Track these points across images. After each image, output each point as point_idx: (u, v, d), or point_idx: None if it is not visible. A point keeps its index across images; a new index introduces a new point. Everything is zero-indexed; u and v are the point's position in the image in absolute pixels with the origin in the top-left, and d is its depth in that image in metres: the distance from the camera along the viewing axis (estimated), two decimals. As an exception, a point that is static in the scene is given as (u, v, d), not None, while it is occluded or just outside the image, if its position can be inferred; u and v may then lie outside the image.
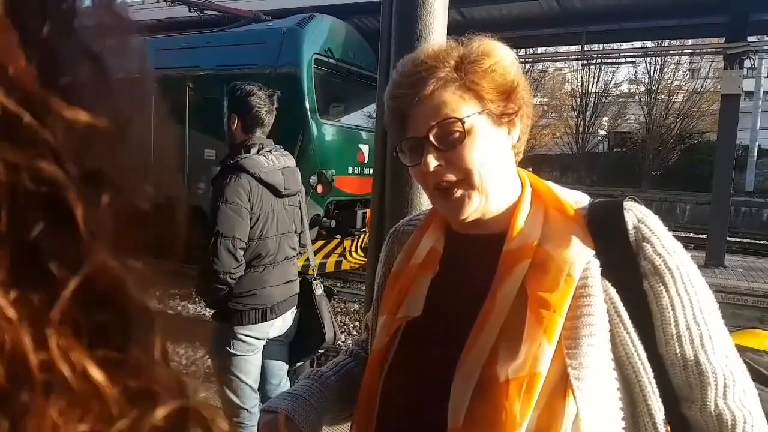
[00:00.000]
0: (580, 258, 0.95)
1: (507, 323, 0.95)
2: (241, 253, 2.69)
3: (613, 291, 0.95)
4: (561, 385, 0.90)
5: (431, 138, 0.99)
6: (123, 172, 0.25)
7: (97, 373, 0.23)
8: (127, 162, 0.25)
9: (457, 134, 0.99)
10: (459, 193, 1.00)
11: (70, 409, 0.22)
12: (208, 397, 0.29)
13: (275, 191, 2.83)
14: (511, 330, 0.94)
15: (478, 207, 1.01)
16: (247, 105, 2.83)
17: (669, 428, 0.96)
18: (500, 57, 1.03)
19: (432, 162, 0.99)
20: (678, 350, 0.95)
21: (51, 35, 0.23)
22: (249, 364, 2.82)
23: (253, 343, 2.81)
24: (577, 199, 1.06)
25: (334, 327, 3.05)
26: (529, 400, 0.88)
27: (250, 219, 2.72)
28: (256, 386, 2.87)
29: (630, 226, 0.99)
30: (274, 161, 2.85)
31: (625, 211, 1.00)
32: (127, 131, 0.25)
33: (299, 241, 3.10)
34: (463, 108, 1.00)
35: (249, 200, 2.71)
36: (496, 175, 1.02)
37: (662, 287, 0.95)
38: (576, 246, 0.97)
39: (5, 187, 0.21)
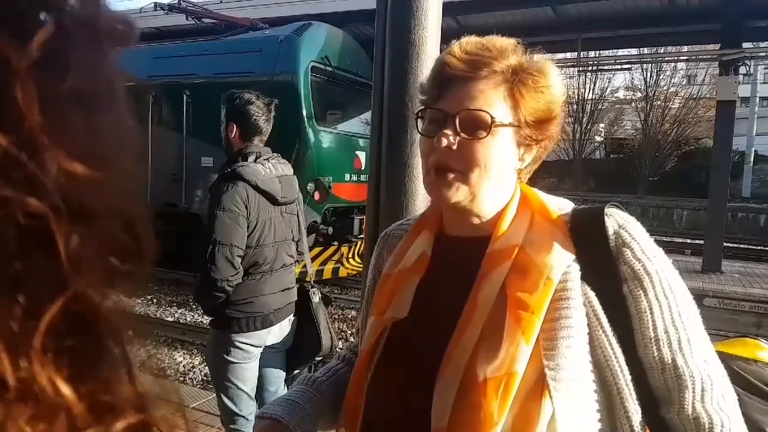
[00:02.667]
0: (560, 262, 0.97)
1: (488, 324, 0.96)
2: (239, 261, 2.69)
3: (592, 295, 0.96)
4: (538, 385, 0.91)
5: (457, 119, 1.00)
6: (103, 210, 0.27)
7: (66, 389, 0.25)
8: (108, 201, 0.28)
9: (481, 129, 1.00)
10: (451, 177, 1.01)
11: (40, 420, 0.24)
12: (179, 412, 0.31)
13: (272, 199, 2.84)
14: (492, 331, 0.95)
15: (462, 199, 1.02)
16: (246, 113, 2.84)
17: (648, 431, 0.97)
18: (554, 84, 1.04)
19: (444, 141, 1.00)
20: (656, 353, 0.95)
21: (50, 81, 0.25)
22: (246, 371, 2.82)
23: (250, 351, 2.81)
24: (560, 206, 1.08)
25: (331, 335, 3.05)
26: (506, 400, 0.89)
27: (248, 227, 2.73)
28: (253, 394, 2.87)
29: (610, 232, 1.00)
30: (271, 169, 2.85)
31: (606, 217, 1.01)
32: (110, 175, 0.27)
33: (297, 248, 3.11)
34: (499, 110, 1.01)
35: (246, 208, 2.72)
36: (491, 184, 1.03)
37: (641, 291, 0.96)
38: (557, 251, 0.98)
39: None
